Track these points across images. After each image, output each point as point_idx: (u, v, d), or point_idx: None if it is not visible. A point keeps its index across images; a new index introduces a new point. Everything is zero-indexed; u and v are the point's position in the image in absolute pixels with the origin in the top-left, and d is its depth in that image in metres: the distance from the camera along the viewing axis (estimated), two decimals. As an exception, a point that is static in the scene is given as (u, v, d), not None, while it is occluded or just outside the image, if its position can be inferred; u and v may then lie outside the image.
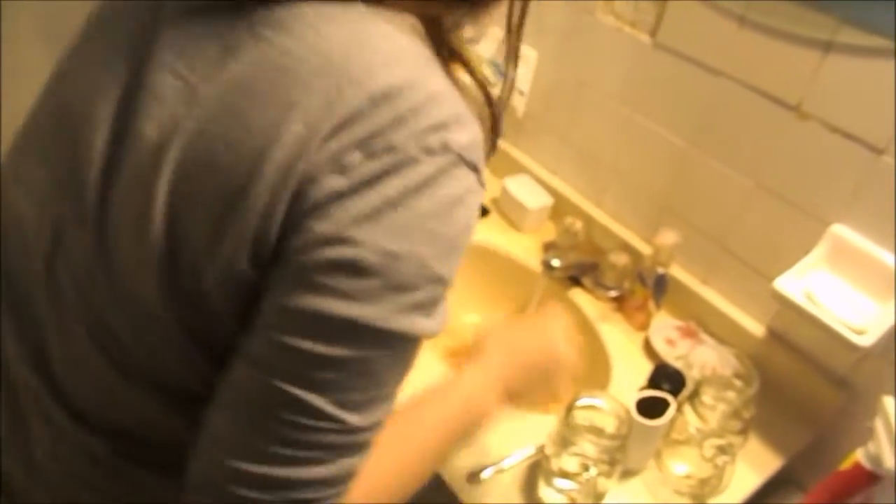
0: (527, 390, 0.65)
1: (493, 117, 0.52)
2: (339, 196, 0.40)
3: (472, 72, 0.49)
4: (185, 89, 0.43)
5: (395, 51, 0.43)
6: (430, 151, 0.41)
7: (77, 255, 0.48)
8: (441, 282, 0.44)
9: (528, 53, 1.24)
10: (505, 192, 1.26)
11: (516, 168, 1.30)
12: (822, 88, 0.85)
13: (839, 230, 0.87)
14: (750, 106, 0.93)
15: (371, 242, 0.40)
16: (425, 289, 0.42)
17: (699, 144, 1.02)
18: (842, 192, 0.86)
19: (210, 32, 0.44)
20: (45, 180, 0.50)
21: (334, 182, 0.40)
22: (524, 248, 1.21)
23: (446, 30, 0.49)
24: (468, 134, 0.44)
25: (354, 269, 0.40)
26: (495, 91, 1.29)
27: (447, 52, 0.48)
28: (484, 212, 1.27)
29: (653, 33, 1.03)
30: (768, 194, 0.95)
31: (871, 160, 0.82)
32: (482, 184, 0.45)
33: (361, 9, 0.44)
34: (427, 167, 0.41)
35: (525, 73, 1.25)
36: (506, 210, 1.27)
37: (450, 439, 0.56)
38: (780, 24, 0.87)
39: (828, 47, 0.83)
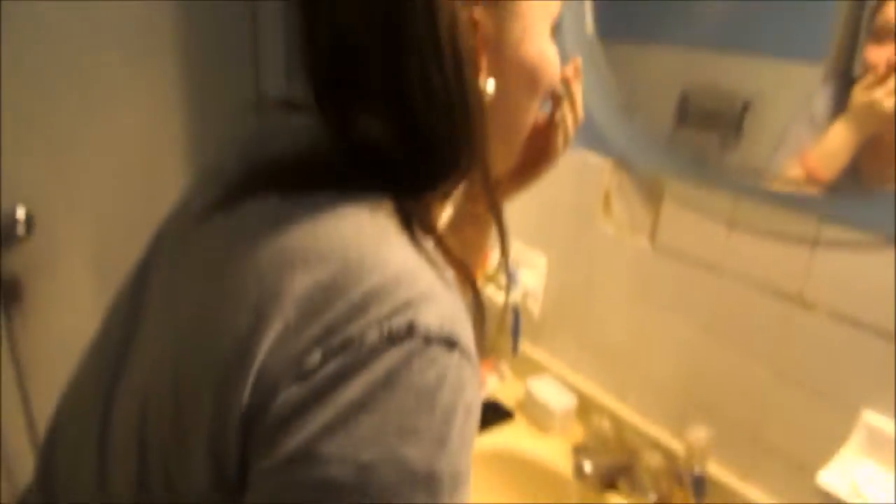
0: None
1: (477, 302, 0.48)
2: (302, 407, 0.37)
3: (446, 252, 0.46)
4: (168, 322, 0.47)
5: (351, 231, 0.42)
6: (393, 339, 0.38)
7: (83, 472, 0.50)
8: (437, 481, 0.38)
9: (538, 260, 1.32)
10: (529, 394, 1.27)
11: (538, 369, 1.32)
12: (819, 280, 0.89)
13: (871, 418, 0.86)
14: (755, 300, 0.97)
15: (340, 456, 0.36)
16: (416, 494, 0.38)
17: (713, 338, 1.04)
18: (864, 378, 0.87)
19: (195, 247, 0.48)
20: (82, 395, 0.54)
21: (295, 392, 0.37)
22: (553, 452, 1.18)
23: (416, 204, 0.47)
24: (438, 309, 0.40)
25: (326, 488, 0.36)
26: (510, 298, 1.35)
27: (422, 228, 0.46)
28: (508, 416, 1.27)
29: (651, 237, 1.11)
30: (791, 384, 0.95)
31: (884, 346, 0.84)
32: (469, 358, 0.41)
33: (325, 194, 0.44)
34: (392, 357, 0.37)
35: (537, 278, 1.33)
36: (531, 413, 1.27)
37: None
38: (767, 224, 0.94)
39: (815, 242, 0.89)
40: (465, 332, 0.41)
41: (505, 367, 1.40)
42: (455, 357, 0.39)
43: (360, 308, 0.38)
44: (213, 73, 1.79)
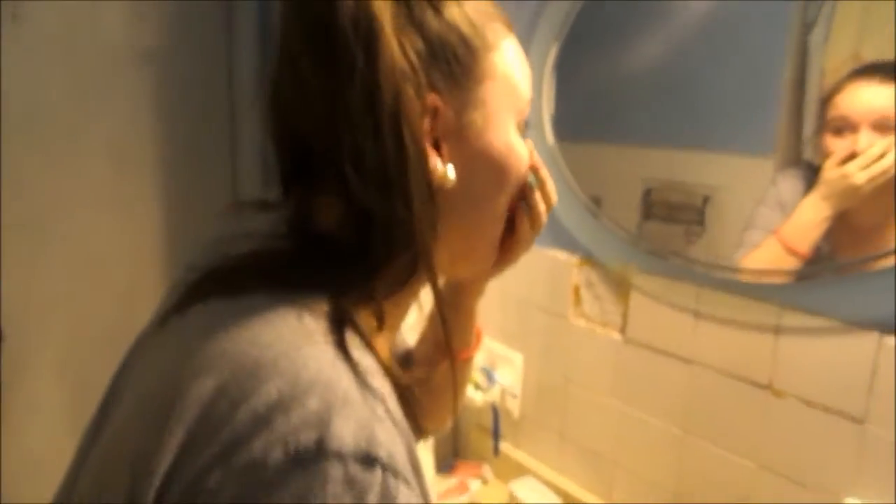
0: None
1: (408, 405, 0.44)
2: None
3: (378, 359, 0.42)
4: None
5: (270, 335, 0.39)
6: (300, 459, 0.33)
7: None
8: None
9: (514, 357, 1.33)
10: (513, 497, 1.23)
11: (520, 471, 1.29)
12: (786, 367, 0.90)
13: (853, 506, 0.85)
14: (726, 389, 0.97)
15: None
16: None
17: (692, 430, 1.03)
18: (842, 465, 0.86)
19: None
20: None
21: None
22: (541, 560, 1.14)
23: (362, 305, 0.44)
24: (356, 421, 0.36)
25: None
26: (487, 397, 1.34)
27: (356, 331, 0.42)
28: (494, 522, 1.22)
29: (622, 330, 1.12)
30: (773, 474, 0.94)
31: (858, 431, 0.84)
32: (398, 474, 0.36)
33: (261, 296, 0.42)
34: (299, 481, 0.33)
35: (514, 376, 1.32)
36: (516, 517, 1.22)
37: None
38: (730, 314, 0.96)
39: (777, 330, 0.91)
40: (392, 447, 0.37)
41: (487, 470, 1.37)
42: (377, 475, 0.35)
43: (265, 420, 0.34)
44: (192, 180, 1.85)
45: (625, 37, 1.11)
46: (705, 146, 1.02)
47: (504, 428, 1.35)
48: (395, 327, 0.54)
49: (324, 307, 0.42)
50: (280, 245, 0.47)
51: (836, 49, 0.86)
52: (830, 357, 0.86)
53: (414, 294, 0.52)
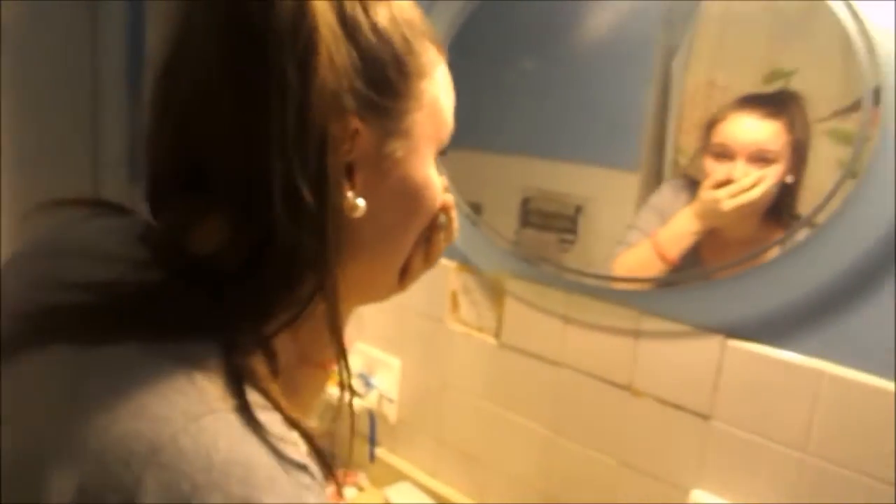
0: None
1: (319, 457, 0.40)
2: None
3: (283, 413, 0.37)
4: None
5: (158, 409, 0.33)
6: None
7: None
8: None
9: (392, 361, 1.32)
10: (388, 502, 1.22)
11: (396, 476, 1.29)
12: (643, 368, 0.96)
13: (699, 496, 0.91)
14: (591, 391, 1.02)
15: None
16: None
17: (560, 431, 1.07)
18: (690, 459, 0.93)
19: None
20: None
21: None
22: (414, 565, 1.13)
23: (246, 361, 0.38)
24: (285, 500, 0.33)
25: None
26: (364, 402, 1.32)
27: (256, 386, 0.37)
28: (368, 530, 1.21)
29: (496, 335, 1.15)
30: (631, 470, 0.99)
31: (703, 426, 0.91)
32: None
33: (135, 346, 0.36)
34: None
35: (391, 380, 1.32)
36: (391, 524, 1.21)
37: None
38: (596, 319, 1.01)
39: (637, 334, 0.96)
40: None
41: (363, 478, 1.35)
42: None
43: None
44: (47, 177, 1.70)
45: (506, 49, 1.14)
46: (578, 158, 1.07)
47: (380, 434, 1.34)
48: (312, 361, 0.51)
49: (215, 360, 0.36)
50: (146, 275, 0.40)
51: (694, 75, 0.92)
52: (681, 358, 0.92)
53: (317, 328, 0.45)
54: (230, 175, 0.40)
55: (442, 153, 0.51)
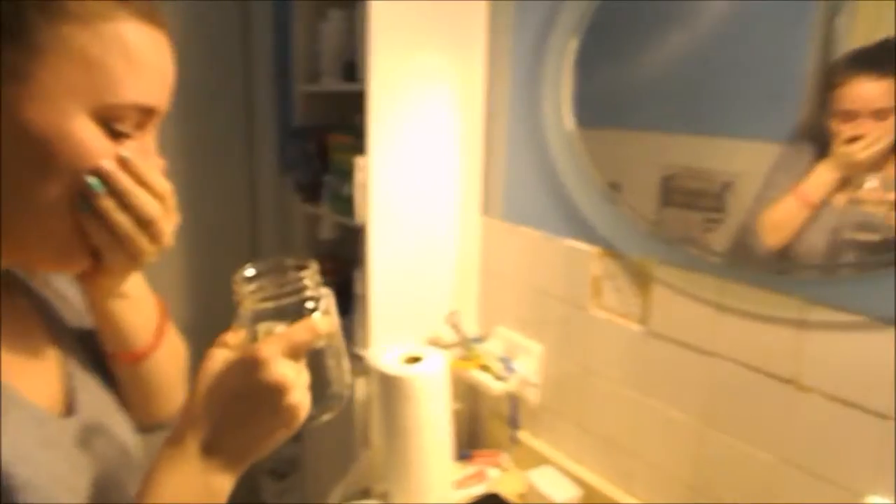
0: (251, 442, 0.48)
1: None
2: None
3: None
4: None
5: None
6: None
7: None
8: None
9: (533, 346, 1.32)
10: (531, 487, 1.23)
11: (539, 460, 1.29)
12: (811, 361, 0.89)
13: (876, 502, 0.84)
14: (748, 383, 0.96)
15: None
16: None
17: (711, 422, 1.03)
18: (864, 462, 0.85)
19: None
20: None
21: None
22: (560, 549, 1.14)
23: None
24: None
25: None
26: (505, 386, 1.33)
27: None
28: (512, 511, 1.23)
29: (642, 322, 1.11)
30: (793, 468, 0.93)
31: (883, 427, 0.82)
32: None
33: None
34: None
35: (532, 365, 1.32)
36: (535, 507, 1.23)
37: None
38: (754, 308, 0.95)
39: (802, 325, 0.89)
40: None
41: (505, 459, 1.37)
42: None
43: None
44: (210, 170, 1.86)
45: (646, 25, 1.08)
46: (727, 132, 1.00)
47: (522, 417, 1.35)
48: None
49: None
50: None
51: (858, 36, 0.85)
52: (856, 353, 0.84)
53: None
54: None
55: (112, 125, 0.46)
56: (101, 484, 0.50)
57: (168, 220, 0.51)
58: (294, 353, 0.47)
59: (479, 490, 1.29)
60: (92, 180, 0.46)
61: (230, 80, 2.02)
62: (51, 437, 0.49)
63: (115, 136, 0.47)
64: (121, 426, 0.59)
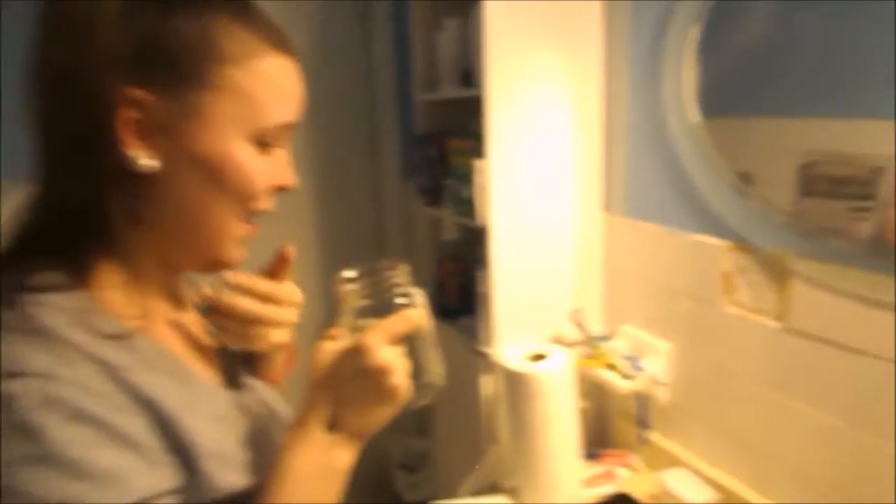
0: (366, 417, 0.55)
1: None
2: None
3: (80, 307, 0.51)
4: None
5: None
6: None
7: None
8: None
9: (660, 345, 1.29)
10: (664, 489, 1.20)
11: (671, 461, 1.26)
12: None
13: None
14: (905, 382, 0.89)
15: None
16: None
17: (859, 424, 0.95)
18: None
19: None
20: None
21: None
22: (695, 553, 1.11)
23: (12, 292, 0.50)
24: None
25: None
26: (633, 385, 1.32)
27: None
28: (644, 512, 1.21)
29: (780, 318, 1.05)
30: (963, 477, 0.84)
31: None
32: (46, 377, 0.45)
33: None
34: None
35: (660, 364, 1.29)
36: (667, 508, 1.20)
37: None
38: (908, 302, 0.87)
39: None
40: (38, 361, 0.46)
41: (635, 459, 1.35)
42: (27, 382, 0.45)
43: None
44: (337, 178, 1.96)
45: (774, 4, 1.03)
46: (875, 114, 0.93)
47: (652, 417, 1.32)
48: (146, 290, 0.57)
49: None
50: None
51: None
52: None
53: (133, 261, 0.55)
54: (36, 147, 0.51)
55: (267, 144, 0.55)
56: (261, 448, 0.58)
57: (283, 310, 0.62)
58: (393, 341, 0.54)
59: (607, 490, 1.28)
60: (200, 306, 0.58)
61: (354, 93, 2.13)
62: (221, 409, 0.57)
63: (264, 148, 0.55)
64: (270, 396, 0.68)
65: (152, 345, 0.54)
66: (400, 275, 0.58)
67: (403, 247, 2.17)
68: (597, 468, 1.33)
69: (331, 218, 2.12)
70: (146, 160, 0.51)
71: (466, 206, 1.45)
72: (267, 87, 0.54)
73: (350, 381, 0.53)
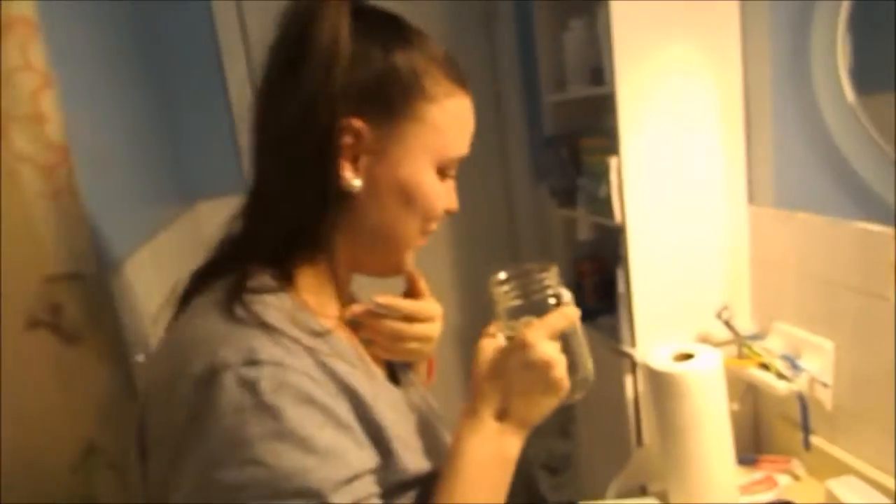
0: (532, 407, 0.59)
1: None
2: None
3: (297, 306, 0.59)
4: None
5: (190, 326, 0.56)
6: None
7: None
8: (235, 490, 0.48)
9: (823, 344, 1.20)
10: (832, 497, 1.12)
11: (839, 468, 1.17)
12: None
13: None
14: None
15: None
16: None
17: None
18: None
19: None
20: None
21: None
22: (873, 568, 1.02)
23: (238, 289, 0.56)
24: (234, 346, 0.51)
25: None
26: (791, 386, 1.24)
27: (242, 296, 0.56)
28: (810, 522, 1.13)
29: (966, 311, 0.95)
30: None
31: None
32: (281, 365, 0.51)
33: (200, 294, 0.59)
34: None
35: (822, 363, 1.20)
36: (837, 519, 1.11)
37: (491, 500, 0.58)
38: None
39: None
40: (276, 353, 0.52)
41: (797, 465, 1.26)
42: (265, 369, 0.51)
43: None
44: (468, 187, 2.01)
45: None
46: None
47: (815, 421, 1.23)
48: (330, 293, 0.64)
49: (224, 283, 0.57)
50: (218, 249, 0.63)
51: None
52: None
53: (328, 269, 0.62)
54: (257, 155, 0.61)
55: (445, 173, 0.62)
56: (431, 438, 0.64)
57: (425, 326, 0.68)
58: (553, 337, 0.58)
59: (767, 498, 1.21)
60: (351, 321, 0.65)
61: (481, 98, 2.17)
62: (396, 401, 0.64)
63: (442, 176, 0.63)
64: (427, 394, 0.75)
65: (341, 341, 0.60)
66: (551, 276, 0.61)
67: (537, 249, 2.17)
68: (755, 474, 1.27)
69: (464, 224, 2.17)
70: (355, 181, 0.59)
71: (602, 205, 1.43)
72: (455, 123, 0.62)
73: (516, 374, 0.58)
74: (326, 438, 0.51)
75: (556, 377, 0.57)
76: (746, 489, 1.23)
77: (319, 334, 0.57)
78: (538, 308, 0.60)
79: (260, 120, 0.61)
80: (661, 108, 1.30)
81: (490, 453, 0.58)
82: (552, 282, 0.61)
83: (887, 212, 1.04)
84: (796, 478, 1.25)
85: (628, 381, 1.42)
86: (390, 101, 0.58)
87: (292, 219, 0.58)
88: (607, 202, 1.38)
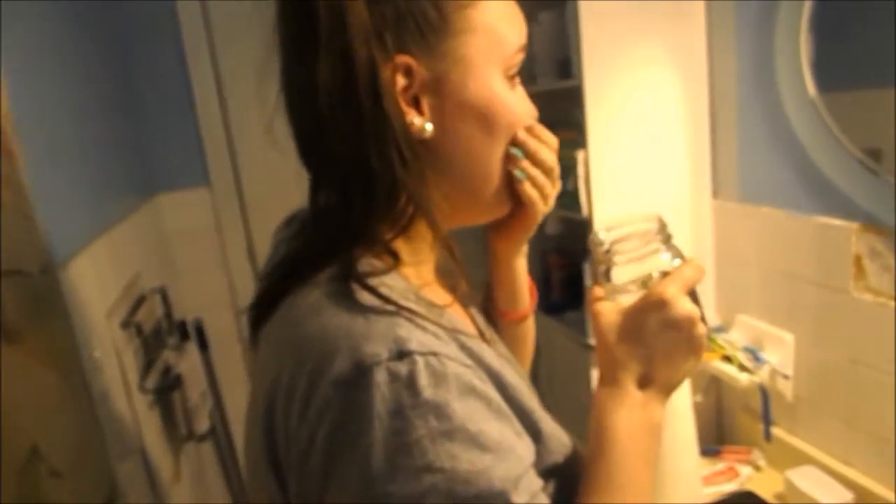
0: (676, 369, 0.54)
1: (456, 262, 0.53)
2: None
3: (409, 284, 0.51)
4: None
5: (310, 322, 0.48)
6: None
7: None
8: (391, 497, 0.42)
9: (785, 336, 1.22)
10: (791, 487, 1.14)
11: (798, 458, 1.19)
12: None
13: None
14: None
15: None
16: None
17: None
18: None
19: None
20: None
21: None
22: (830, 556, 1.04)
23: (350, 266, 0.49)
24: (378, 338, 0.44)
25: None
26: (753, 378, 1.25)
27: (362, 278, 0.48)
28: (771, 511, 1.15)
29: (921, 305, 0.97)
30: None
31: None
32: (435, 354, 0.44)
33: (298, 290, 0.50)
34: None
35: (783, 355, 1.22)
36: (797, 508, 1.13)
37: (648, 473, 0.53)
38: None
39: None
40: (424, 339, 0.45)
41: (758, 456, 1.28)
42: (417, 361, 0.44)
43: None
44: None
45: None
46: None
47: (775, 412, 1.26)
48: (424, 260, 0.57)
49: (330, 272, 0.49)
50: (300, 241, 0.55)
51: None
52: None
53: (425, 235, 0.54)
54: (314, 130, 0.51)
55: (513, 75, 0.54)
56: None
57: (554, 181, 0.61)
58: (688, 291, 0.53)
59: (730, 488, 1.22)
60: (514, 150, 0.56)
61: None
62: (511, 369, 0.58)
63: (511, 83, 0.55)
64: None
65: (457, 313, 0.54)
66: (661, 227, 0.56)
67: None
68: (717, 465, 1.28)
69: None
70: (427, 125, 0.51)
71: (570, 198, 1.43)
72: (501, 14, 0.54)
73: (658, 335, 0.53)
74: (496, 432, 0.45)
75: (699, 334, 0.52)
76: (709, 480, 1.25)
77: (441, 312, 0.49)
78: (650, 261, 0.55)
79: (299, 109, 0.53)
80: (628, 102, 1.30)
81: (639, 424, 0.53)
82: (664, 233, 0.56)
83: (849, 207, 1.06)
84: (757, 468, 1.27)
85: (594, 374, 1.42)
86: (428, 23, 0.50)
87: (377, 190, 0.50)
88: (575, 196, 1.38)
